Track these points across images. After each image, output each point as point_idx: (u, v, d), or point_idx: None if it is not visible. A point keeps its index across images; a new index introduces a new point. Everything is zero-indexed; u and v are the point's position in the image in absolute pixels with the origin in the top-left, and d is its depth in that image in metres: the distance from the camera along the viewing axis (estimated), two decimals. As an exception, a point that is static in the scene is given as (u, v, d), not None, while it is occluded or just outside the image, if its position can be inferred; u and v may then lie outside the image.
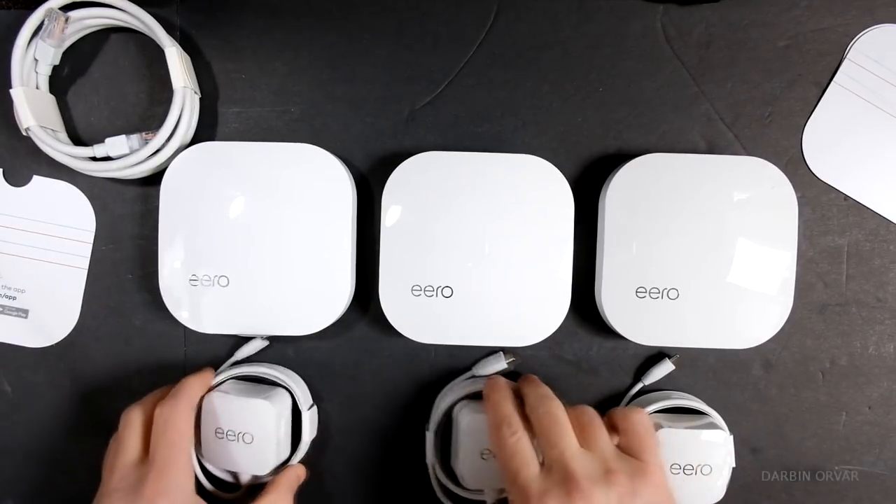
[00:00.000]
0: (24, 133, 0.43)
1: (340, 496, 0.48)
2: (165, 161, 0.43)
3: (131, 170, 0.43)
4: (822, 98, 0.45)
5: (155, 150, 0.43)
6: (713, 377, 0.47)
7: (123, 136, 0.43)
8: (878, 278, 0.46)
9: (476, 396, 0.45)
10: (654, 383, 0.46)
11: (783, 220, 0.43)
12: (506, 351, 0.46)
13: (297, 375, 0.47)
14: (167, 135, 0.43)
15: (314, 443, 0.47)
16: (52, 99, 0.45)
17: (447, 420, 0.46)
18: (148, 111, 0.46)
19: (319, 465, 0.48)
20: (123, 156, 0.43)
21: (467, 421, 0.43)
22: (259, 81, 0.46)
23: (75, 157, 0.43)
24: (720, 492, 0.43)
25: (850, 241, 0.46)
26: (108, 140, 0.43)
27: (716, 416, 0.44)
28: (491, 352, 0.47)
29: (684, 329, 0.43)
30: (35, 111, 0.43)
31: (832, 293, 0.46)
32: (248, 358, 0.47)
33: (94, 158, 0.43)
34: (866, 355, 0.46)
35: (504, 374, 0.47)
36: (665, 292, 0.43)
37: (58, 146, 0.43)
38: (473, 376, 0.47)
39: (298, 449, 0.46)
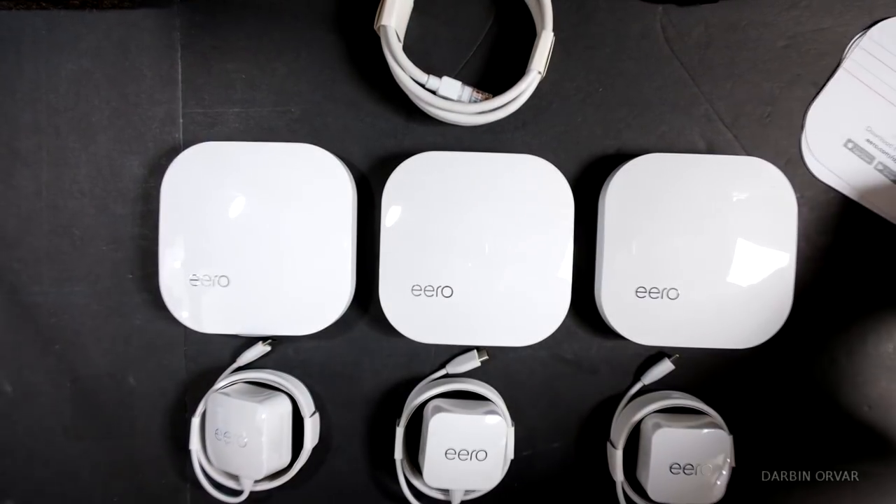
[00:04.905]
0: (376, 29, 0.42)
1: (340, 495, 0.48)
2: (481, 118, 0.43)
3: (454, 115, 0.43)
4: (822, 98, 0.45)
5: (482, 110, 0.42)
6: (713, 377, 0.47)
7: (459, 83, 0.43)
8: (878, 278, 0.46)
9: (448, 395, 0.45)
10: (654, 383, 0.47)
11: (783, 221, 0.43)
12: (479, 349, 0.46)
13: (300, 382, 0.47)
14: (499, 104, 0.42)
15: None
16: (411, 4, 0.44)
17: (419, 417, 0.45)
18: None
19: (320, 464, 0.48)
20: (449, 99, 0.43)
21: (436, 419, 0.42)
22: (259, 81, 0.46)
23: (406, 70, 0.42)
24: (720, 492, 0.43)
25: (850, 241, 0.46)
26: (445, 78, 0.43)
27: (716, 416, 0.44)
28: (465, 350, 0.47)
29: (684, 329, 0.43)
30: (398, 14, 0.42)
31: (832, 293, 0.46)
32: (251, 361, 0.47)
33: (421, 85, 0.43)
34: (866, 355, 0.46)
35: (477, 372, 0.47)
36: (665, 292, 0.43)
37: (399, 54, 0.42)
38: (447, 375, 0.47)
39: (300, 456, 0.45)
